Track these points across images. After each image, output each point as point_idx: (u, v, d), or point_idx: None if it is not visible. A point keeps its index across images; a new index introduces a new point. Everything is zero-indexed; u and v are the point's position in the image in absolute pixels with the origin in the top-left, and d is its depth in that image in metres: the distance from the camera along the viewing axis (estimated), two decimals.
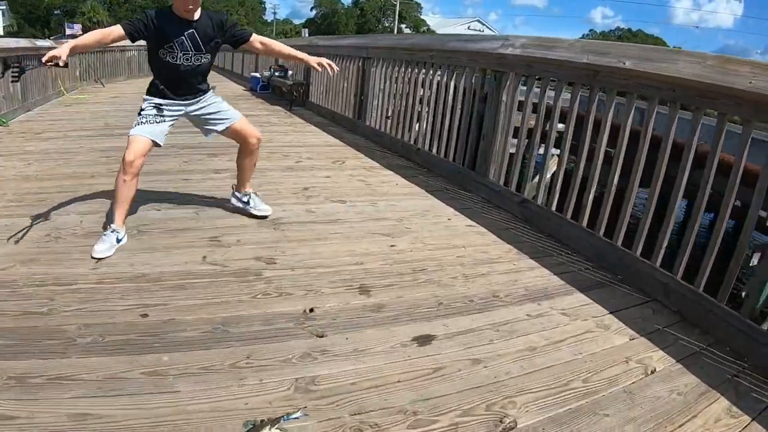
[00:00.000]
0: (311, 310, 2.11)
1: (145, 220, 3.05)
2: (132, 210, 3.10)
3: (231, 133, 2.99)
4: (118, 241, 2.58)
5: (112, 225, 2.60)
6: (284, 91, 9.02)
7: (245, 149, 3.06)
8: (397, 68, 5.51)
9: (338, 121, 6.98)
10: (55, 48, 2.38)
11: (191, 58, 2.68)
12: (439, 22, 58.89)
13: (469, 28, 50.67)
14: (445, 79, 4.55)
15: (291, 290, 2.30)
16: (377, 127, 5.97)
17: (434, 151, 4.64)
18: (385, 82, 5.81)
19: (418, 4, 57.65)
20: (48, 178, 3.85)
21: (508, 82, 3.64)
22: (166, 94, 2.73)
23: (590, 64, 2.82)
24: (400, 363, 1.79)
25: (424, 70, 4.96)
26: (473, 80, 4.14)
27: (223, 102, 2.98)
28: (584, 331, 2.06)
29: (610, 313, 2.20)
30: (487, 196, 3.70)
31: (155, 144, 2.70)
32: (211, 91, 2.93)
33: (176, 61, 2.66)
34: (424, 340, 1.92)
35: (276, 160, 4.78)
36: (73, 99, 8.53)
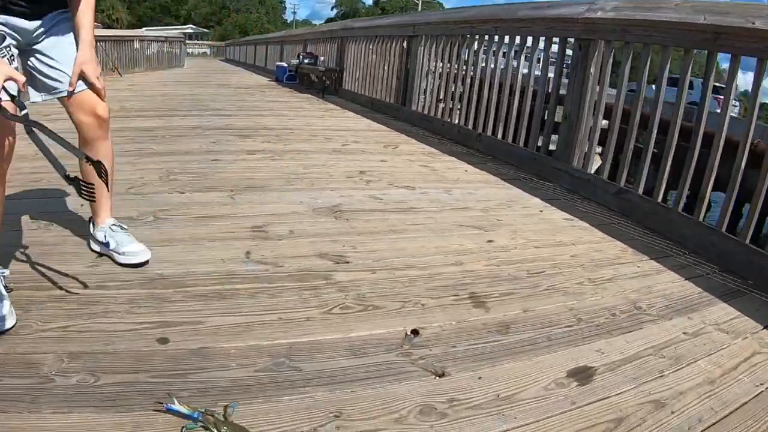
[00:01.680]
0: (415, 333, 1.45)
1: (163, 204, 2.32)
2: (141, 192, 2.38)
3: (74, 102, 1.61)
4: None
5: None
6: (314, 80, 8.33)
7: (87, 132, 1.67)
8: (450, 45, 4.85)
9: (378, 108, 6.30)
10: None
11: None
12: None
13: None
14: (513, 53, 3.99)
15: (378, 302, 1.61)
16: (425, 111, 5.30)
17: (499, 135, 4.02)
18: (435, 62, 5.13)
19: (440, 4, 56.99)
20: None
21: (596, 52, 3.10)
22: None
23: (710, 25, 2.35)
24: (567, 415, 1.19)
25: (485, 45, 4.31)
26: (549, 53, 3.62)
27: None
28: (751, 352, 1.58)
29: (765, 327, 1.72)
30: (571, 185, 3.17)
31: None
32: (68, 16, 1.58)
33: None
34: (582, 374, 1.35)
35: (318, 143, 4.10)
36: None
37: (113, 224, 1.78)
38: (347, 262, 1.89)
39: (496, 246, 2.14)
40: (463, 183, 3.21)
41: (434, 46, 5.12)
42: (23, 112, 1.27)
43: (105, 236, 1.75)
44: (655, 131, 2.69)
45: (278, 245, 1.98)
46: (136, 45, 11.44)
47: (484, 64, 4.28)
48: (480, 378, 1.26)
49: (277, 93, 7.94)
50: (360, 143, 4.25)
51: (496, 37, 4.18)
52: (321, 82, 7.90)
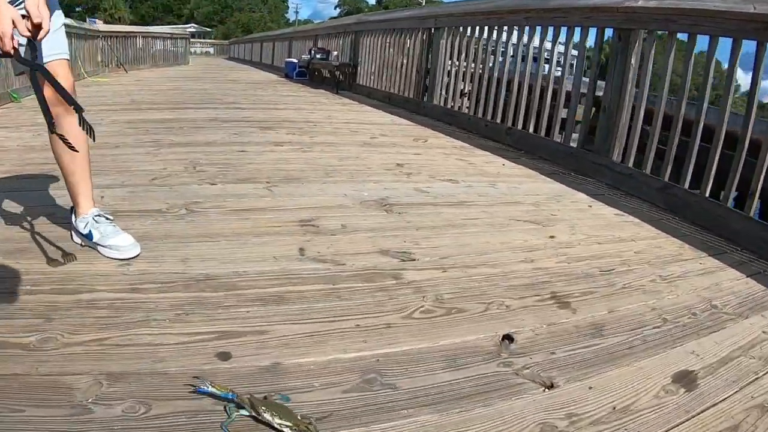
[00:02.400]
0: (509, 339, 1.29)
1: (193, 196, 2.07)
2: (167, 183, 2.13)
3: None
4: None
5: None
6: (326, 75, 8.06)
7: (53, 106, 1.35)
8: (476, 37, 4.60)
9: (396, 103, 6.05)
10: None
11: None
12: None
13: None
14: (545, 44, 3.75)
15: (460, 304, 1.42)
16: (449, 105, 5.05)
17: (531, 129, 3.80)
18: (459, 54, 4.87)
19: (441, 2, 56.89)
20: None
21: (637, 43, 2.94)
22: None
23: (760, 14, 2.20)
24: (686, 426, 1.06)
25: (515, 37, 4.10)
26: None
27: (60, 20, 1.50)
28: None
29: None
30: (612, 180, 3.00)
31: None
32: None
33: None
34: (686, 380, 1.24)
35: (344, 135, 3.85)
36: (93, 81, 7.64)
37: (97, 214, 1.56)
38: (413, 260, 1.67)
39: (560, 242, 2.00)
40: (505, 177, 3.01)
41: (458, 38, 4.88)
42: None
43: (87, 227, 1.54)
44: (701, 125, 2.53)
45: (333, 241, 1.73)
46: (141, 42, 11.19)
47: (513, 57, 4.06)
48: (591, 388, 1.12)
49: (290, 88, 7.67)
50: (387, 136, 4.01)
51: (527, 28, 3.96)
52: (334, 78, 7.63)
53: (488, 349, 1.22)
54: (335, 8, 55.99)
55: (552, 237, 2.03)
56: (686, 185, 2.58)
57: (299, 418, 0.89)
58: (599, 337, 1.35)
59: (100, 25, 10.13)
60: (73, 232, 1.60)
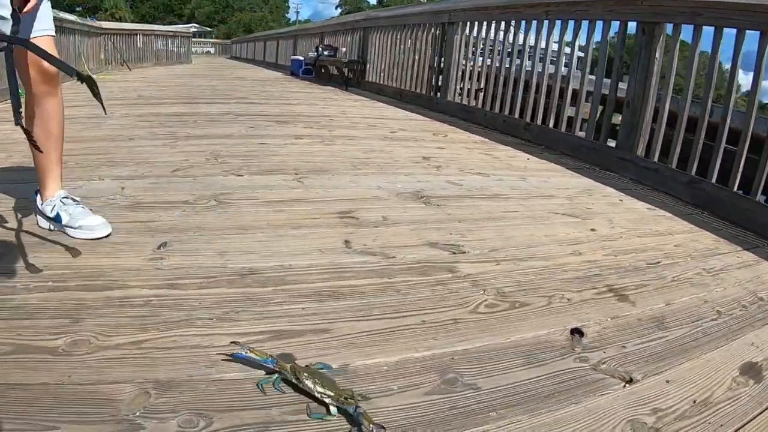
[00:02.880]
0: (579, 333, 1.23)
1: (220, 187, 1.94)
2: (190, 174, 2.01)
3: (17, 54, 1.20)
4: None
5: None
6: (334, 73, 7.93)
7: (33, 87, 1.37)
8: (493, 31, 4.48)
9: (408, 99, 5.93)
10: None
11: None
12: None
13: None
14: (566, 38, 3.62)
15: (521, 297, 1.35)
16: (464, 101, 4.94)
17: (550, 124, 3.73)
18: (475, 50, 4.75)
19: None
20: (72, 141, 2.70)
21: (662, 36, 2.88)
22: None
23: None
24: (764, 417, 1.01)
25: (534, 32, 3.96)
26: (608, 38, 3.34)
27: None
28: None
29: None
30: (636, 175, 2.96)
31: None
32: None
33: None
34: (752, 371, 1.21)
35: (363, 129, 3.73)
36: (98, 78, 7.50)
37: (64, 196, 1.47)
38: (464, 252, 1.58)
39: (602, 235, 1.96)
40: (533, 171, 2.93)
41: (473, 33, 4.76)
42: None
43: (54, 210, 1.45)
44: (729, 118, 2.45)
45: (377, 233, 1.60)
46: (144, 40, 11.06)
47: (532, 51, 3.95)
48: (668, 382, 1.08)
49: (298, 85, 7.54)
50: (407, 131, 3.89)
51: (546, 23, 3.84)
52: (342, 75, 7.50)
53: (561, 344, 1.15)
54: (336, 8, 55.84)
55: (593, 230, 1.98)
56: (713, 179, 2.53)
57: (340, 389, 0.83)
58: (663, 329, 1.31)
59: (103, 23, 9.97)
60: (38, 216, 1.49)
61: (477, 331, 1.14)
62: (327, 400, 0.81)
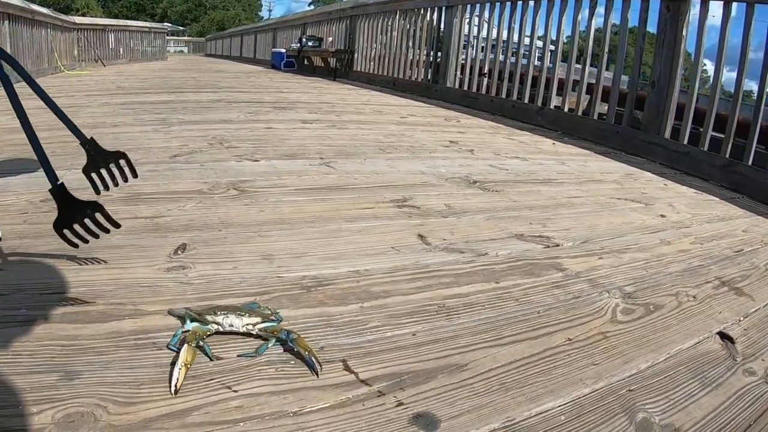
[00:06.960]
0: (729, 339, 1.00)
1: (237, 173, 1.60)
2: (195, 160, 1.66)
3: None
4: None
5: None
6: (318, 64, 7.56)
7: None
8: (498, 13, 4.20)
9: (402, 87, 5.63)
10: None
11: None
12: None
13: None
14: (580, 16, 3.38)
15: (649, 298, 1.10)
16: (466, 87, 4.65)
17: (566, 108, 3.53)
18: (478, 33, 4.48)
19: None
20: (48, 129, 2.32)
21: (688, 12, 2.72)
22: None
23: None
24: None
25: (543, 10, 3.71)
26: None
27: None
28: None
29: None
30: (665, 159, 2.81)
31: None
32: None
33: None
34: None
35: (372, 115, 3.40)
36: (73, 74, 6.99)
37: None
38: (557, 245, 1.30)
39: (673, 221, 1.78)
40: (565, 156, 2.67)
41: (476, 15, 4.49)
42: None
43: None
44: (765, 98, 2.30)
45: (450, 224, 1.29)
46: (118, 36, 10.51)
47: (542, 32, 3.70)
48: None
49: (283, 76, 7.14)
50: (417, 116, 3.58)
51: (557, 1, 3.58)
52: (328, 65, 7.13)
53: (719, 354, 0.93)
54: (309, 4, 55.19)
55: (663, 216, 1.79)
56: (750, 162, 2.38)
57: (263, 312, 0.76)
58: None
59: (75, 18, 9.42)
60: None
61: (632, 346, 0.87)
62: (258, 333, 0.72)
